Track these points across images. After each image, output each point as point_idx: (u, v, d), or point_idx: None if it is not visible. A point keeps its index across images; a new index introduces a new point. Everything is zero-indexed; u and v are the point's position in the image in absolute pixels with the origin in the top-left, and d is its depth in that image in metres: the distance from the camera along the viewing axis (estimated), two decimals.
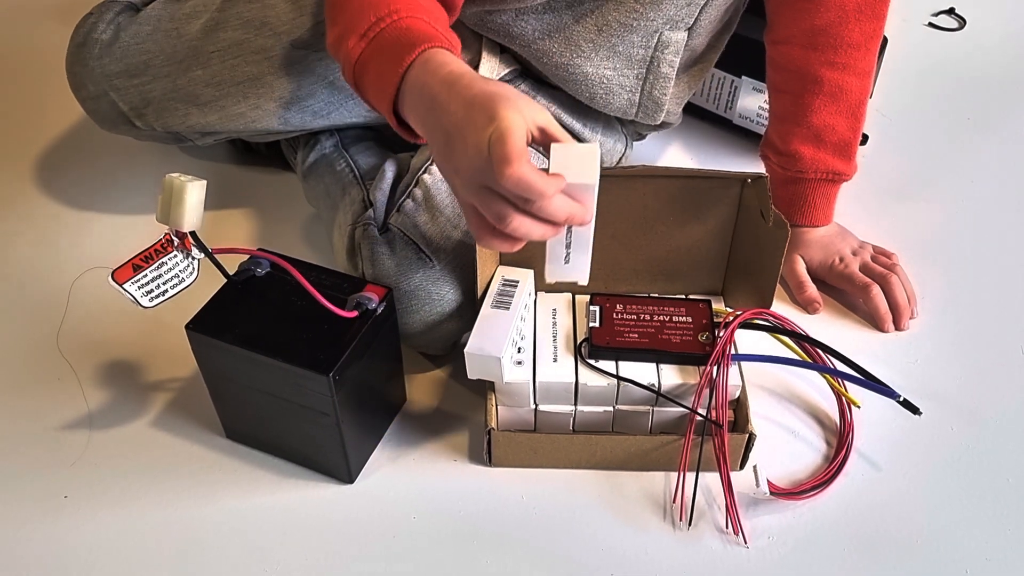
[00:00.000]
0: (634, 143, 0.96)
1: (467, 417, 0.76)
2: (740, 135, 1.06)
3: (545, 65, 0.81)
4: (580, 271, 0.63)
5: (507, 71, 0.84)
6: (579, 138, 0.88)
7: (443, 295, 0.74)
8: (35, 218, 0.96)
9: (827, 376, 0.72)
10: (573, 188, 0.56)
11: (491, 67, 0.84)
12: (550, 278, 0.64)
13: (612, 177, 0.71)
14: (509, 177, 0.51)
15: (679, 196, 0.72)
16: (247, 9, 0.83)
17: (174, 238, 0.61)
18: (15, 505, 0.69)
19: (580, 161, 0.56)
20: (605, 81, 0.81)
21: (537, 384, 0.69)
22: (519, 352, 0.71)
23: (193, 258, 0.63)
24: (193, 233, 0.61)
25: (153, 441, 0.74)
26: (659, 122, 0.87)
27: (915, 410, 0.67)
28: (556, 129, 0.56)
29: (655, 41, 0.79)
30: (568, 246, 0.61)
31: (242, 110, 0.84)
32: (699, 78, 0.88)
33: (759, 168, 0.90)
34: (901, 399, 0.66)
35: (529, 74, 0.86)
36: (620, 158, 0.93)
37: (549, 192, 0.53)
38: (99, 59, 0.85)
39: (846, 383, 0.72)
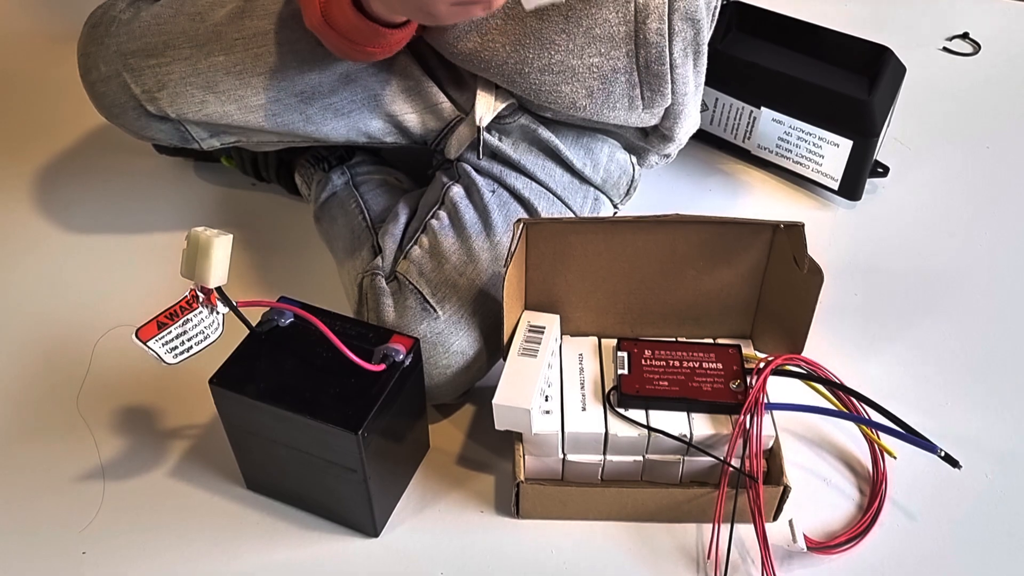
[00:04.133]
0: (643, 171, 0.94)
1: (492, 464, 0.75)
2: (758, 165, 1.04)
3: (531, 84, 0.78)
4: None
5: (504, 105, 0.83)
6: (583, 179, 0.87)
7: (448, 347, 0.73)
8: (52, 256, 0.94)
9: (863, 426, 0.71)
10: None
11: (487, 103, 0.82)
12: (530, 5, 0.63)
13: (642, 224, 0.70)
14: None
15: (709, 242, 0.71)
16: (273, 2, 0.81)
17: (199, 294, 0.59)
18: (33, 562, 0.67)
19: None
20: (596, 69, 0.77)
21: (566, 434, 0.68)
22: (547, 401, 0.70)
23: (218, 313, 0.61)
24: (219, 288, 0.60)
25: (172, 492, 0.72)
26: (671, 104, 0.81)
27: (955, 464, 0.66)
28: None
29: (632, 12, 0.75)
30: None
31: (261, 101, 0.81)
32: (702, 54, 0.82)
33: (780, 197, 0.89)
34: (943, 454, 0.65)
35: (529, 107, 0.85)
36: (629, 187, 0.91)
37: None
38: (115, 36, 0.81)
39: (880, 431, 0.70)
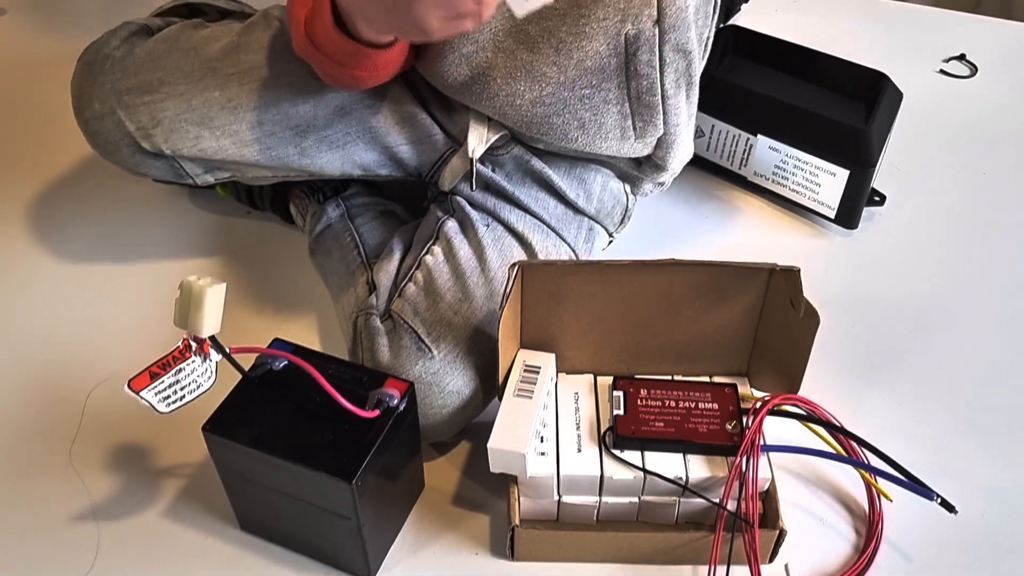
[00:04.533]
0: (638, 199, 0.93)
1: (487, 503, 0.74)
2: (755, 192, 1.04)
3: (523, 116, 0.78)
4: None
5: (496, 136, 0.82)
6: (577, 209, 0.86)
7: (444, 387, 0.73)
8: (46, 289, 0.94)
9: (861, 470, 0.71)
10: None
11: (480, 135, 0.82)
12: (521, 12, 0.62)
13: (638, 267, 0.69)
14: None
15: (705, 283, 0.70)
16: (266, 36, 0.81)
17: (192, 343, 0.59)
18: None
19: None
20: (587, 100, 0.77)
21: (561, 477, 0.68)
22: (542, 442, 0.69)
23: (211, 361, 0.61)
24: (212, 336, 0.60)
25: (166, 533, 0.72)
26: (663, 134, 0.81)
27: (951, 509, 0.66)
28: None
29: (622, 44, 0.74)
30: None
31: (256, 135, 0.81)
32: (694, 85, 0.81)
33: (776, 224, 0.88)
34: (939, 500, 0.65)
35: (521, 139, 0.84)
36: (624, 216, 0.91)
37: None
38: (110, 74, 0.81)
39: (877, 475, 0.70)
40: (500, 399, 0.70)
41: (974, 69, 1.24)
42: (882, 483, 0.69)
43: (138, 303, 0.91)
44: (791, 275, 0.67)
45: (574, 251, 0.85)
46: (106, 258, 0.97)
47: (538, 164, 0.84)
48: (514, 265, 0.68)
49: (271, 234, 1.00)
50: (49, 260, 0.96)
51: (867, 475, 0.70)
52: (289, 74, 0.80)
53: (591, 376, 0.76)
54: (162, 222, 1.01)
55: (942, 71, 1.24)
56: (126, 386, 0.58)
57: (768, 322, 0.72)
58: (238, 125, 0.80)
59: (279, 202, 0.98)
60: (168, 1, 1.02)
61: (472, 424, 0.77)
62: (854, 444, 0.70)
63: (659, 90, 0.77)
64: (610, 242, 0.92)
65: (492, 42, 0.75)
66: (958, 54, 1.26)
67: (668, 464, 0.68)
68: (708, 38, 0.81)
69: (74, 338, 0.88)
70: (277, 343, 0.67)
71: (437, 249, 0.79)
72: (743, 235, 1.00)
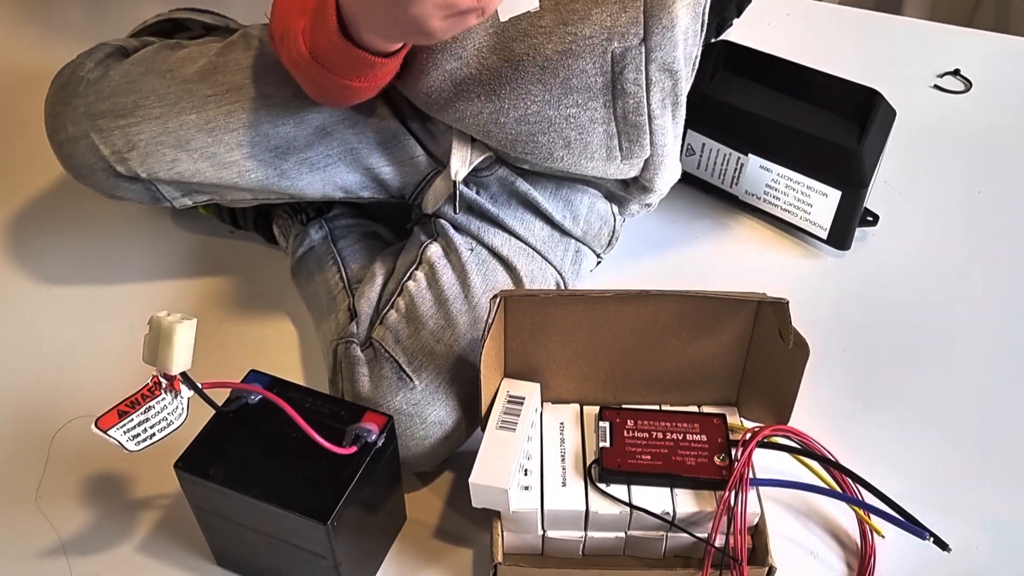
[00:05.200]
0: (625, 219, 0.92)
1: (470, 536, 0.72)
2: (746, 211, 1.03)
3: (508, 135, 0.77)
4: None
5: (481, 158, 0.81)
6: (564, 231, 0.85)
7: (426, 418, 0.71)
8: (22, 314, 0.92)
9: (854, 506, 0.69)
10: None
11: (463, 157, 0.80)
12: (506, 15, 0.61)
13: (623, 298, 0.68)
14: None
15: (692, 313, 0.69)
16: (246, 56, 0.80)
17: (162, 380, 0.57)
18: None
19: None
20: (573, 119, 0.75)
21: (546, 511, 0.66)
22: (526, 475, 0.68)
23: (182, 397, 0.59)
24: (184, 373, 0.58)
25: (141, 569, 0.70)
26: (649, 155, 0.80)
27: (945, 547, 0.64)
28: None
29: (608, 62, 0.73)
30: None
31: (235, 158, 0.79)
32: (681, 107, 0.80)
33: (768, 244, 0.86)
34: (931, 539, 0.63)
35: (506, 159, 0.83)
36: (611, 237, 0.89)
37: None
38: (83, 96, 0.79)
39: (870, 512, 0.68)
40: (483, 430, 0.68)
41: (968, 84, 1.22)
42: (874, 519, 0.67)
43: (116, 329, 0.89)
44: (780, 307, 0.65)
45: (560, 274, 0.83)
46: (83, 280, 0.95)
47: (523, 185, 0.82)
48: (496, 296, 0.66)
49: (254, 254, 0.98)
50: (23, 285, 0.94)
51: (860, 511, 0.69)
52: (269, 95, 0.78)
53: (577, 406, 0.74)
54: (143, 243, 0.99)
55: (936, 86, 1.22)
56: (93, 425, 0.56)
57: (757, 352, 0.71)
58: (216, 147, 0.78)
59: (262, 221, 0.96)
60: (152, 17, 1.01)
61: (456, 453, 0.75)
62: (847, 479, 0.68)
63: (645, 109, 0.76)
64: (598, 263, 0.91)
65: (476, 59, 0.74)
66: (952, 69, 1.24)
67: (655, 498, 0.66)
68: (696, 56, 0.80)
69: (45, 370, 0.86)
70: (252, 376, 0.65)
71: (420, 274, 0.77)
72: (734, 255, 0.98)
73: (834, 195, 0.93)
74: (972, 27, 1.37)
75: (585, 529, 0.67)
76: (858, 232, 0.97)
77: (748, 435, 0.68)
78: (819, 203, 0.94)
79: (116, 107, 0.78)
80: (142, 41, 0.85)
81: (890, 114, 0.99)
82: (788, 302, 0.64)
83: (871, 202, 0.98)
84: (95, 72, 0.80)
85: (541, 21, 0.72)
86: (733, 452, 0.68)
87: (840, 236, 0.96)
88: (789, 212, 0.98)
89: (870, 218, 0.97)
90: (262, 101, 0.78)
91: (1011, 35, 1.33)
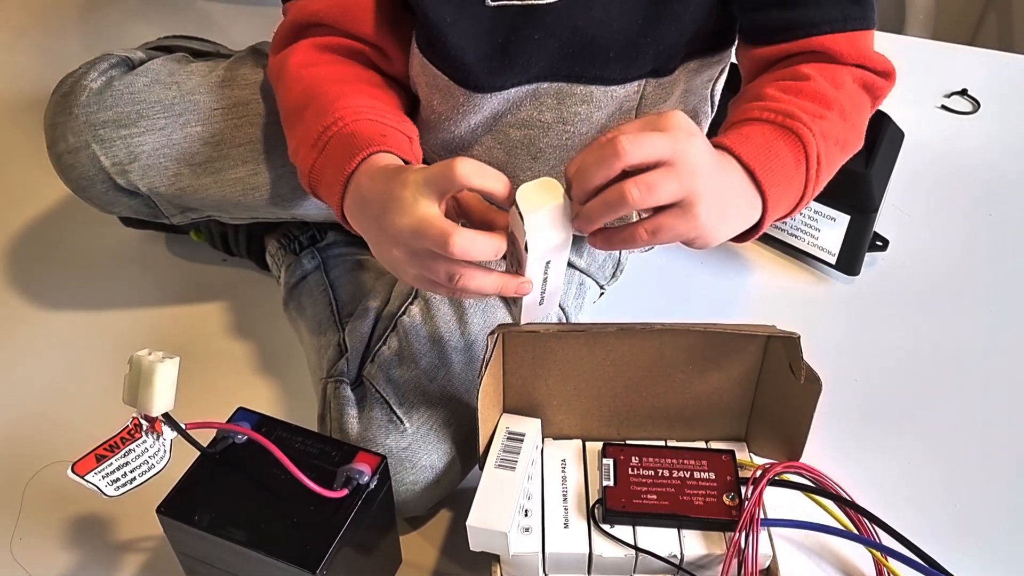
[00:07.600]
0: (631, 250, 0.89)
1: None
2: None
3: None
4: (552, 307, 0.64)
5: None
6: (568, 264, 0.82)
7: (416, 462, 0.68)
8: (6, 346, 0.89)
9: (872, 549, 0.66)
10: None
11: None
12: (524, 321, 0.63)
13: (625, 332, 0.65)
14: (453, 248, 0.53)
15: (698, 347, 0.66)
16: (254, 72, 0.78)
17: (143, 422, 0.54)
18: None
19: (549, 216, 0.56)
20: None
21: (547, 555, 0.63)
22: (526, 516, 0.65)
23: (164, 439, 0.56)
24: (166, 414, 0.55)
25: None
26: None
27: None
28: (469, 195, 0.59)
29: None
30: (544, 283, 0.60)
31: (240, 175, 0.77)
32: None
33: (775, 271, 0.84)
34: None
35: None
36: (615, 269, 0.86)
37: (497, 251, 0.55)
38: (85, 106, 0.76)
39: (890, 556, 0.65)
40: (481, 469, 0.65)
41: (976, 104, 1.20)
42: (893, 562, 0.64)
43: (100, 365, 0.86)
44: (790, 341, 0.62)
45: (563, 307, 0.81)
46: (67, 310, 0.92)
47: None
48: (494, 332, 0.63)
49: (247, 282, 0.95)
50: (11, 311, 0.92)
51: (877, 553, 0.65)
52: (277, 112, 0.76)
53: (579, 441, 0.71)
54: (133, 271, 0.96)
55: (944, 107, 1.20)
56: (70, 470, 0.53)
57: (766, 387, 0.68)
58: (221, 162, 0.76)
59: (255, 247, 0.94)
60: (139, 46, 0.99)
61: (454, 492, 0.72)
62: (863, 519, 0.65)
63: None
64: (601, 295, 0.88)
65: (472, 137, 0.74)
66: (959, 89, 1.22)
67: (662, 540, 0.63)
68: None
69: (25, 408, 0.83)
70: (240, 414, 0.63)
71: (415, 309, 0.74)
72: (741, 281, 0.96)
73: (842, 220, 0.90)
74: (975, 45, 1.35)
75: (589, 573, 0.64)
76: (867, 257, 0.94)
77: (759, 472, 0.65)
78: (827, 228, 0.92)
79: (118, 117, 0.75)
80: (148, 53, 0.82)
81: (898, 136, 0.97)
82: (799, 336, 0.61)
83: (880, 226, 0.96)
84: (98, 82, 0.77)
85: (542, 116, 0.72)
86: (743, 490, 0.65)
87: (849, 261, 0.93)
88: (797, 237, 0.95)
89: (879, 242, 0.95)
90: (270, 118, 0.77)
91: (1015, 53, 1.31)
